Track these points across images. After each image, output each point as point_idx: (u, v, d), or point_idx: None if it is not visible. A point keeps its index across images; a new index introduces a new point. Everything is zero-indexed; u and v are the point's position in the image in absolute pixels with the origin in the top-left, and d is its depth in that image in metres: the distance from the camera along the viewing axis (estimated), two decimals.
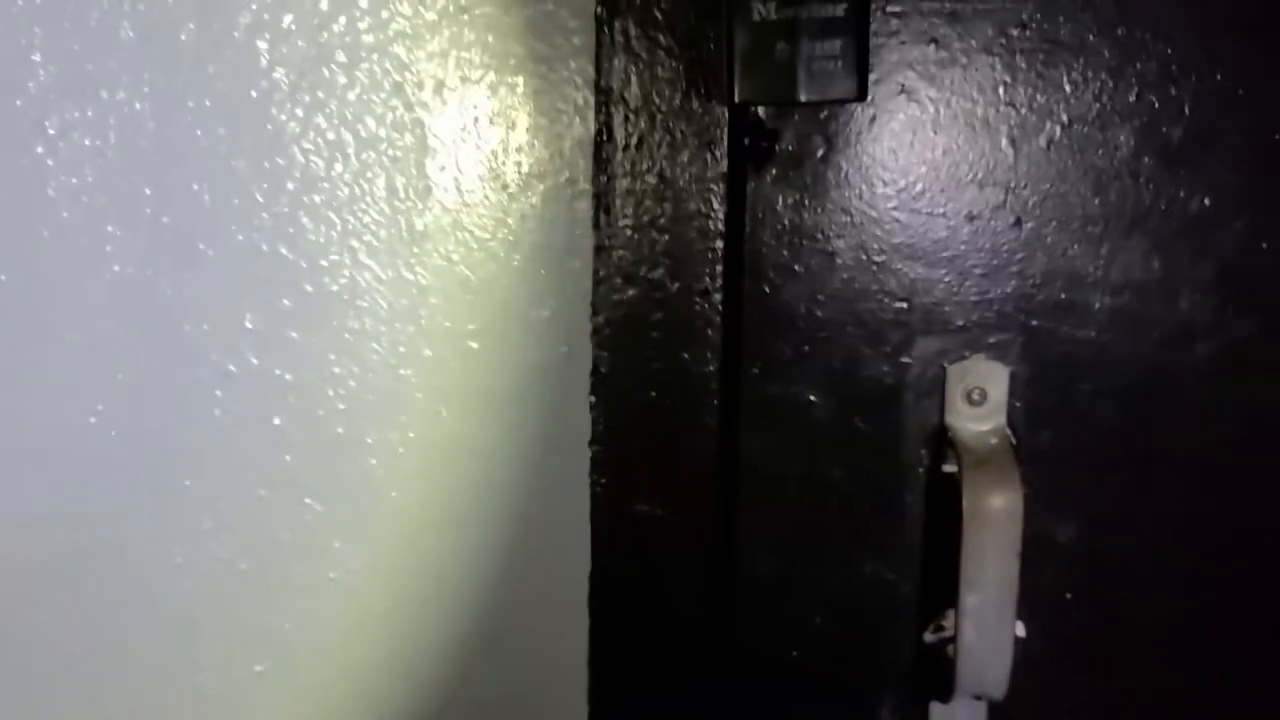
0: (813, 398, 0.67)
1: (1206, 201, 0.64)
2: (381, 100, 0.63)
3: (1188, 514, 0.69)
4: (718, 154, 0.63)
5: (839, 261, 0.66)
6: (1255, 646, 0.71)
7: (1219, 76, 0.63)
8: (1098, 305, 0.66)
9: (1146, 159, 0.64)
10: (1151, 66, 0.63)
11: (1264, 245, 0.65)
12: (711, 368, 0.67)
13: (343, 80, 0.63)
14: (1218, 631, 0.71)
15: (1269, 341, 0.66)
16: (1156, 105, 0.63)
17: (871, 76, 0.62)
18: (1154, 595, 0.70)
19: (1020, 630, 0.71)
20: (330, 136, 0.64)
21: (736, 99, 0.57)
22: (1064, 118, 0.63)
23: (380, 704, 0.73)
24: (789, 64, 0.56)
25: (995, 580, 0.65)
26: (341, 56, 0.64)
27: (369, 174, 0.64)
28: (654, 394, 0.67)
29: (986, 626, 0.65)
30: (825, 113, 0.63)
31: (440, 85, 0.63)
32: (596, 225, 0.65)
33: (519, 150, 0.64)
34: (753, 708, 0.72)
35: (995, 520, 0.64)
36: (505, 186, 0.64)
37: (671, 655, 0.71)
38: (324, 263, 0.65)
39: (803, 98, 0.56)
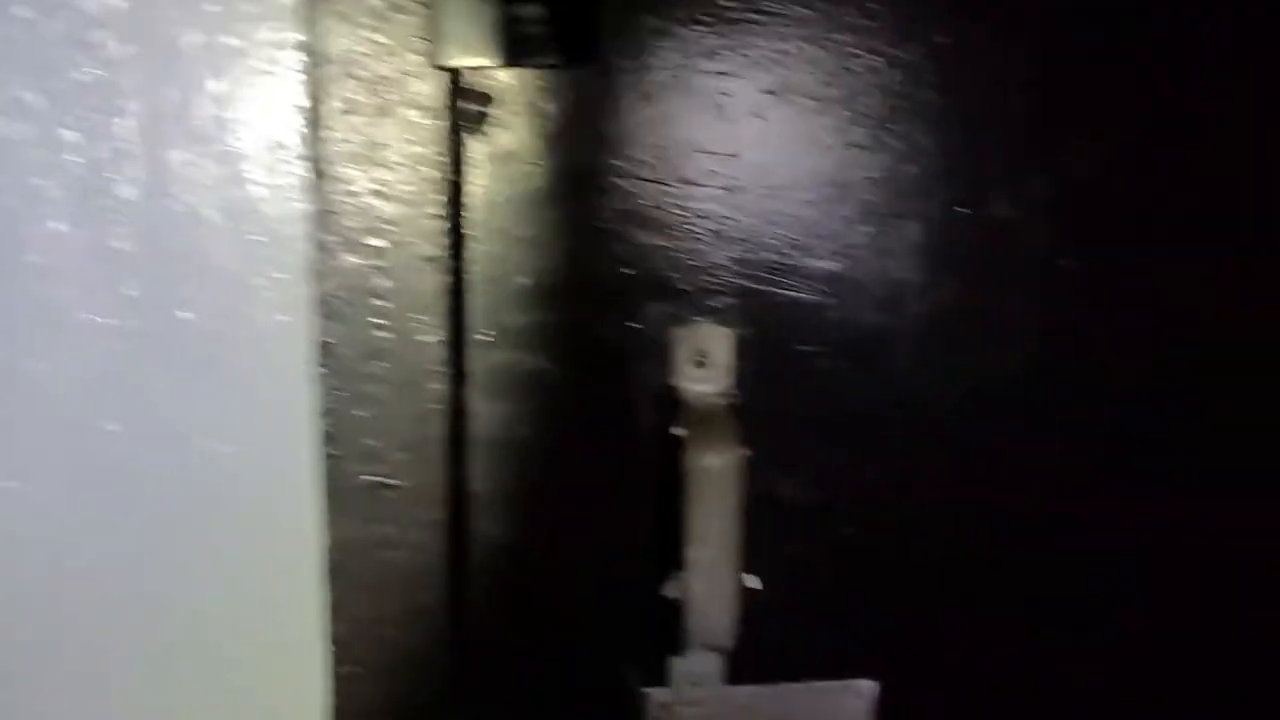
0: (543, 364, 0.68)
1: (913, 169, 0.68)
2: (68, 58, 0.59)
3: (905, 470, 0.73)
4: (437, 119, 0.62)
5: (564, 228, 0.66)
6: (971, 594, 0.76)
7: (925, 47, 0.66)
8: (815, 269, 0.68)
9: (857, 128, 0.66)
10: (859, 37, 0.65)
11: (966, 211, 0.69)
12: (440, 336, 0.66)
13: (25, 37, 0.59)
14: (937, 582, 0.76)
15: (973, 303, 0.70)
16: (862, 75, 0.66)
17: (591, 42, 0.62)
18: (874, 549, 0.74)
19: (753, 582, 0.74)
20: (18, 95, 0.60)
21: (441, 62, 0.56)
22: (774, 87, 0.65)
23: (120, 674, 0.70)
24: (495, 27, 0.55)
25: (718, 536, 0.67)
26: (27, 11, 0.60)
27: (58, 136, 0.60)
28: (383, 364, 0.66)
29: (711, 580, 0.68)
30: (547, 78, 0.63)
31: (138, 42, 0.60)
32: (312, 191, 0.63)
33: (225, 113, 0.61)
34: (495, 669, 0.72)
35: (715, 478, 0.66)
36: (211, 151, 0.61)
37: (410, 623, 0.70)
38: (15, 232, 0.61)
39: (507, 62, 0.55)
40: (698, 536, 0.67)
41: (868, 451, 0.72)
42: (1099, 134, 0.69)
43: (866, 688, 0.77)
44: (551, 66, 0.59)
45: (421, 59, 0.60)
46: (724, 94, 0.64)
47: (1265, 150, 0.70)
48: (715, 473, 0.66)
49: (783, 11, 0.64)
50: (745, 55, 0.64)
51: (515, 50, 0.55)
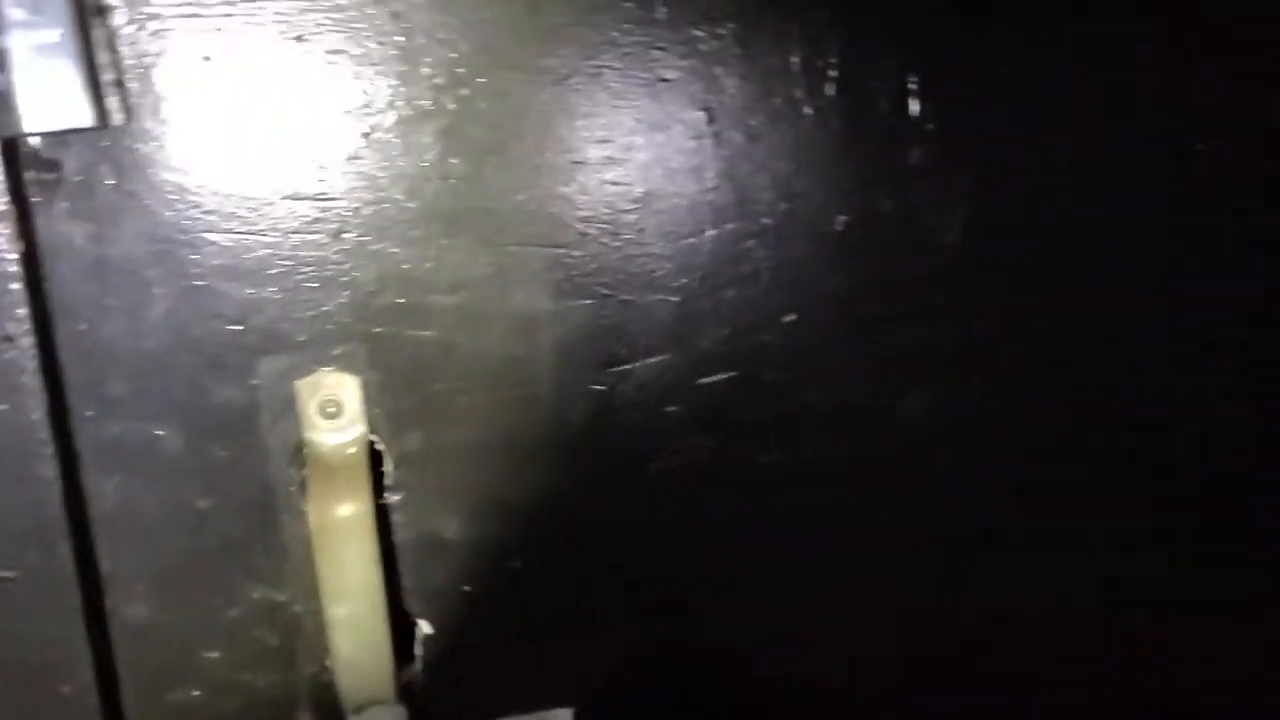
0: (159, 431, 0.65)
1: (522, 197, 0.67)
2: None
3: (563, 490, 0.73)
4: None
5: (156, 290, 0.63)
6: (656, 606, 0.77)
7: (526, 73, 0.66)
8: (436, 305, 0.67)
9: (453, 160, 0.66)
10: (442, 70, 0.65)
11: (589, 233, 0.69)
12: (37, 415, 0.62)
13: None
14: (618, 598, 0.76)
15: (601, 328, 0.70)
16: (454, 106, 0.65)
17: (141, 98, 0.60)
18: (547, 575, 0.74)
19: (425, 628, 0.73)
20: None
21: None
22: (365, 127, 0.64)
23: None
24: (7, 94, 0.52)
25: (358, 589, 0.66)
26: None
27: None
28: None
29: (359, 635, 0.66)
30: (105, 139, 0.60)
31: None
32: None
33: None
34: None
35: (344, 529, 0.64)
36: None
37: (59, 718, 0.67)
38: None
39: (27, 129, 0.53)
40: (337, 591, 0.65)
41: (520, 478, 0.71)
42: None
43: (563, 716, 0.76)
44: (82, 130, 0.57)
45: None
46: (316, 137, 0.63)
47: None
48: (341, 522, 0.64)
49: (360, 52, 0.63)
50: (331, 98, 0.63)
51: (36, 116, 0.53)
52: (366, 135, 0.64)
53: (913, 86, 0.70)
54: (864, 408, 0.75)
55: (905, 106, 0.70)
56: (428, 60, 0.64)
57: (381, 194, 0.65)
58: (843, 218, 0.71)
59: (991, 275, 0.74)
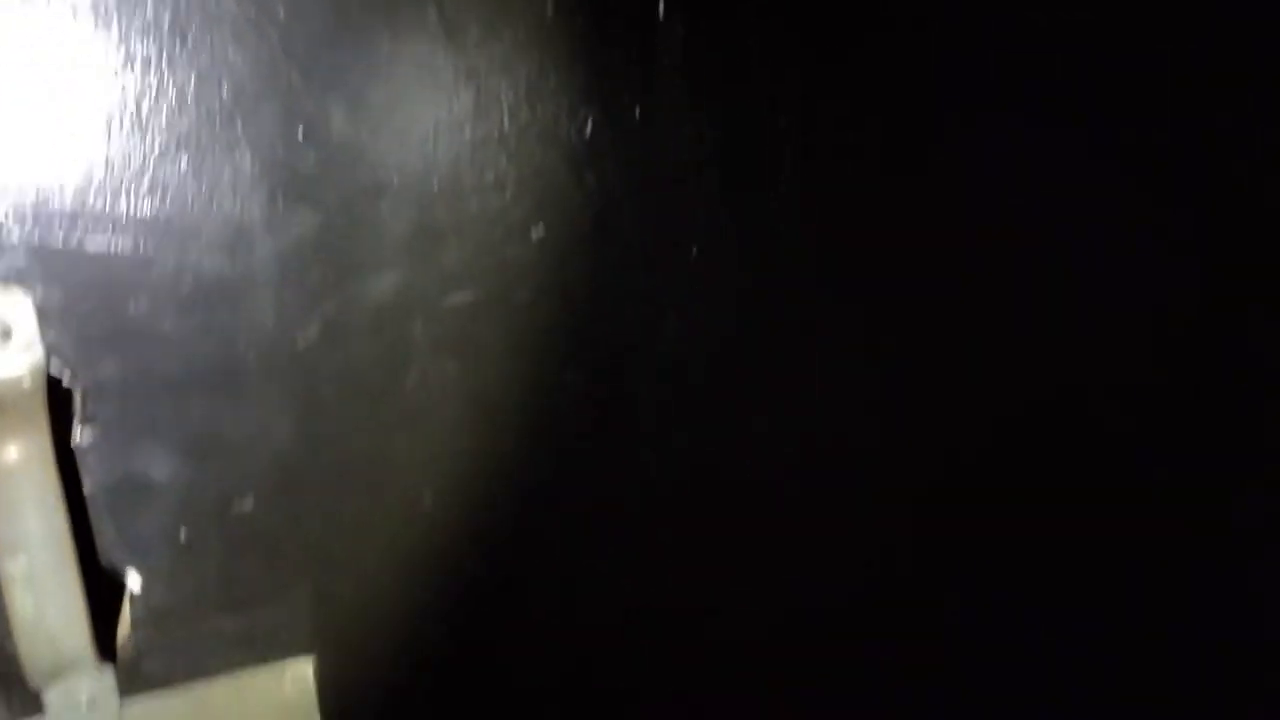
0: None
1: (225, 96, 0.60)
2: None
3: (280, 420, 0.66)
4: None
5: None
6: (401, 548, 0.72)
7: None
8: (131, 213, 0.59)
9: (140, 41, 0.57)
10: None
11: (300, 137, 0.62)
12: None
13: None
14: (360, 541, 0.71)
15: (329, 238, 0.64)
16: None
17: None
18: (269, 513, 0.67)
19: (134, 581, 0.65)
20: None
21: None
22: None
23: None
24: None
25: (39, 539, 0.57)
26: None
27: None
28: None
29: (46, 594, 0.58)
30: None
31: None
32: None
33: None
34: None
35: (18, 473, 0.56)
36: None
37: None
38: None
39: None
40: (15, 543, 0.56)
41: (235, 410, 0.64)
42: None
43: (302, 666, 0.70)
44: None
45: None
46: None
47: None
48: (15, 465, 0.55)
49: None
50: None
51: None
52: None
53: None
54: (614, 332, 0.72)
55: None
56: None
57: (59, 79, 0.56)
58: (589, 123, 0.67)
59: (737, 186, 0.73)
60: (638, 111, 0.67)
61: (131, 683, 0.65)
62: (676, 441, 0.76)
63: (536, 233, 0.68)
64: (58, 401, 0.60)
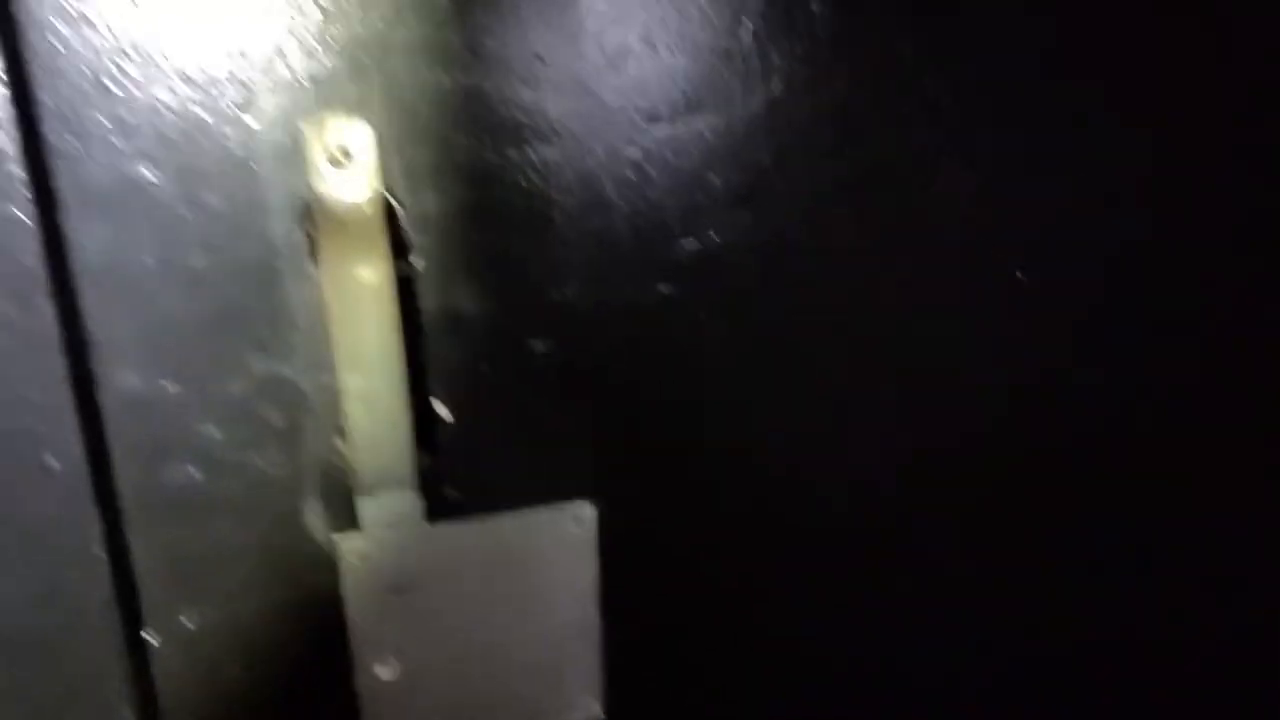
0: (150, 175, 0.58)
1: None
2: None
3: (601, 272, 0.67)
4: None
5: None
6: (685, 401, 0.72)
7: None
8: (457, 48, 0.59)
9: None
10: None
11: None
12: (10, 149, 0.55)
13: None
14: (646, 391, 0.71)
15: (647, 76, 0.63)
16: None
17: None
18: (572, 361, 0.68)
19: (443, 411, 0.67)
20: None
21: None
22: None
23: None
24: None
25: (375, 358, 0.60)
26: None
27: None
28: None
29: (375, 411, 0.61)
30: None
31: None
32: None
33: None
34: (157, 532, 0.64)
35: (360, 293, 0.58)
36: None
37: None
38: None
39: None
40: (352, 359, 0.59)
41: (554, 257, 0.65)
42: None
43: (586, 510, 0.72)
44: None
45: None
46: None
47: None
48: (360, 287, 0.58)
49: None
50: None
51: None
52: None
53: None
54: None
55: None
56: None
57: None
58: None
59: None
60: None
61: (431, 506, 0.69)
62: None
63: None
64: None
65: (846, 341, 0.72)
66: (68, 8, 0.54)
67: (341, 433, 0.63)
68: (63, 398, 0.59)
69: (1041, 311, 0.74)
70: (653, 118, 0.63)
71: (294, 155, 0.59)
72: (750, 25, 0.63)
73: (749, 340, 0.71)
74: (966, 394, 0.75)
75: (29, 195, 0.55)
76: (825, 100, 0.66)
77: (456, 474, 0.69)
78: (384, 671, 0.68)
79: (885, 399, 0.74)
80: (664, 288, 0.68)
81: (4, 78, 0.52)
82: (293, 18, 0.57)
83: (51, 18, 0.54)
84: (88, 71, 0.55)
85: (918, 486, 0.77)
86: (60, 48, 0.54)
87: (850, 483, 0.76)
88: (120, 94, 0.55)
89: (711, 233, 0.67)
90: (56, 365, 0.59)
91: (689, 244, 0.67)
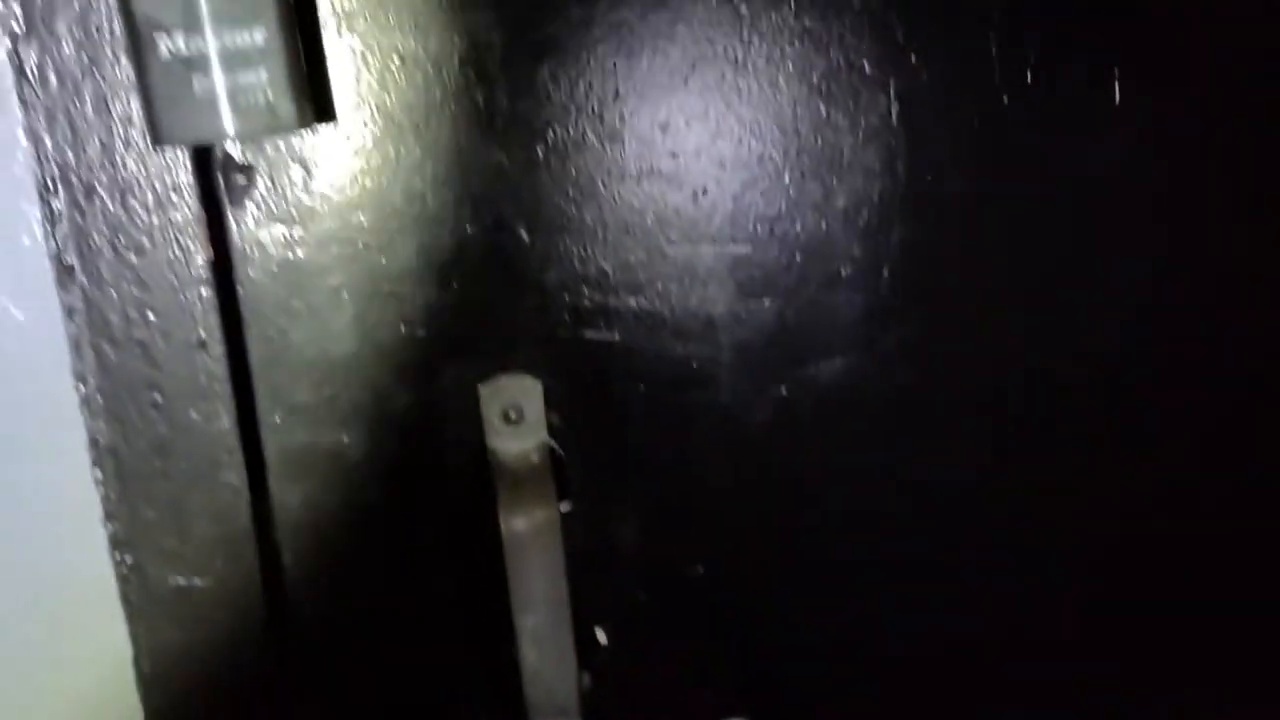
0: (344, 438, 0.64)
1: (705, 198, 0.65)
2: None
3: (739, 497, 0.70)
4: (185, 197, 0.59)
5: (344, 296, 0.62)
6: (832, 612, 0.74)
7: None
8: (616, 308, 0.65)
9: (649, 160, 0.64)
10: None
11: (773, 231, 0.66)
12: (226, 424, 0.62)
13: None
14: (793, 607, 0.74)
15: (786, 323, 0.68)
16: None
17: (337, 99, 0.59)
18: (721, 583, 0.71)
19: (601, 638, 0.71)
20: None
21: (160, 141, 0.52)
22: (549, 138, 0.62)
23: None
24: (211, 99, 0.51)
25: (545, 599, 0.64)
26: None
27: None
28: (167, 459, 0.62)
29: (545, 646, 0.64)
30: (297, 140, 0.59)
31: None
32: (62, 287, 0.59)
33: None
34: None
35: (532, 539, 0.63)
36: None
37: None
38: None
39: (232, 133, 0.52)
40: (525, 601, 0.64)
41: (698, 486, 0.69)
42: None
43: None
44: (283, 132, 0.56)
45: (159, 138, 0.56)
46: (499, 134, 0.61)
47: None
48: (530, 533, 0.63)
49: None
50: (515, 95, 0.61)
51: (238, 120, 0.52)
52: (547, 148, 0.62)
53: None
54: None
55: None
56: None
57: (564, 196, 0.63)
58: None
59: None
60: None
61: None
62: None
63: None
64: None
65: None
66: (293, 306, 0.62)
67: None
68: (263, 639, 0.65)
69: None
70: (795, 362, 0.68)
71: (472, 414, 0.65)
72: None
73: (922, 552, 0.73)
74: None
75: (241, 461, 0.62)
76: None
77: (614, 697, 0.72)
78: None
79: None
80: (819, 515, 0.71)
81: (229, 370, 0.60)
82: (468, 291, 0.64)
83: (269, 314, 0.62)
84: (300, 355, 0.62)
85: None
86: (276, 336, 0.62)
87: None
88: (324, 371, 0.63)
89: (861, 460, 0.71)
90: (258, 609, 0.65)
91: (839, 471, 0.70)
